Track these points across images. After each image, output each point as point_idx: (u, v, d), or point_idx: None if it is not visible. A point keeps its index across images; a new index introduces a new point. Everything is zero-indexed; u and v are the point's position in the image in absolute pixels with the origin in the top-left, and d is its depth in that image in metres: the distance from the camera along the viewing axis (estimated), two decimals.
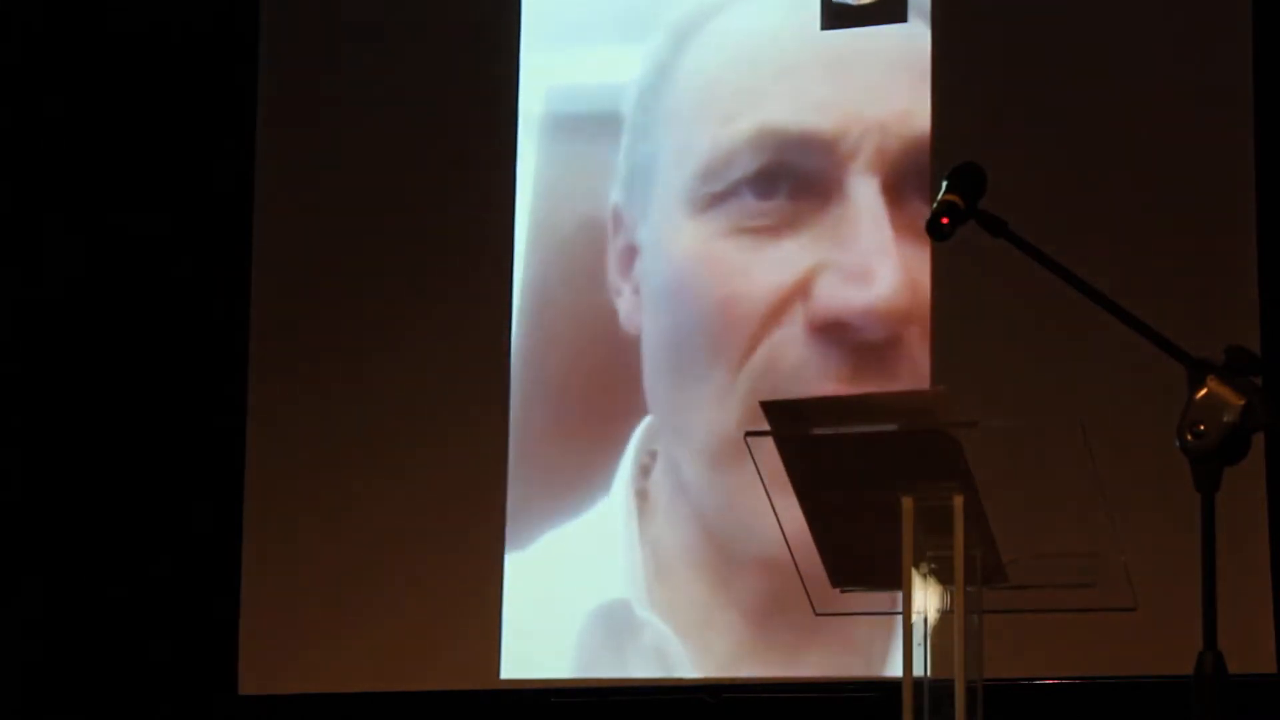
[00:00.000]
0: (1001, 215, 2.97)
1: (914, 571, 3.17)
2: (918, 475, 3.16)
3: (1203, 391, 2.62)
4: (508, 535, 5.58)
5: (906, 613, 3.16)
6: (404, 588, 5.64)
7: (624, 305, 5.56)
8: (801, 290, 5.33)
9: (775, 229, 5.39)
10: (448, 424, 5.69)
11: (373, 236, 5.88)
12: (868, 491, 3.21)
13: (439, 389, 5.72)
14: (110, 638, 5.93)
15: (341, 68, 5.99)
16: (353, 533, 5.72)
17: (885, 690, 3.89)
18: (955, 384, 4.79)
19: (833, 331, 5.29)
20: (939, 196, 2.96)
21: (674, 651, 5.37)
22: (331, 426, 5.80)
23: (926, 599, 3.19)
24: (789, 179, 5.40)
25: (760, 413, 5.15)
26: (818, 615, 3.40)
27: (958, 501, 3.14)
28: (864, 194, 5.32)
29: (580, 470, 5.53)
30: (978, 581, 3.18)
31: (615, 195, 5.61)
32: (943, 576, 3.19)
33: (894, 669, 3.23)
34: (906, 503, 3.17)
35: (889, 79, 5.38)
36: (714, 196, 5.47)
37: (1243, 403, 2.59)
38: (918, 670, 3.17)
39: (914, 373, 5.24)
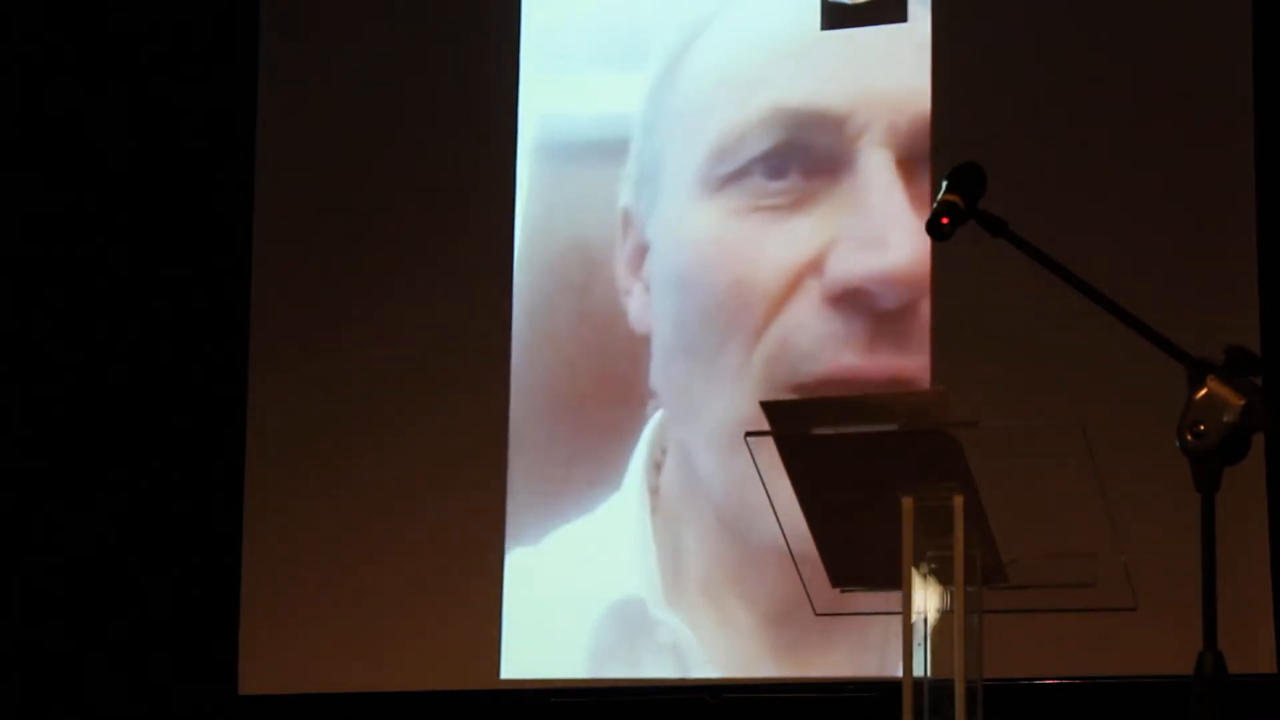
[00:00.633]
0: (1001, 213, 2.97)
1: (914, 571, 3.17)
2: (918, 475, 3.16)
3: (1203, 391, 2.62)
4: (514, 534, 5.57)
5: (906, 613, 3.16)
6: (404, 587, 5.64)
7: (634, 305, 5.56)
8: (815, 265, 5.33)
9: (788, 207, 5.39)
10: (448, 424, 5.69)
11: (373, 240, 5.88)
12: (868, 491, 3.21)
13: (440, 390, 5.72)
14: (110, 637, 5.93)
15: (341, 80, 5.99)
16: (353, 533, 5.73)
17: (885, 690, 3.89)
18: (956, 377, 4.81)
19: (848, 301, 5.28)
20: (939, 196, 2.96)
21: (690, 650, 5.37)
22: (332, 427, 5.80)
23: (926, 599, 3.19)
24: (800, 157, 5.40)
25: (772, 390, 5.22)
26: (818, 615, 3.40)
27: (958, 501, 3.14)
28: (876, 166, 5.32)
29: (589, 468, 5.53)
30: (978, 581, 3.18)
31: (625, 198, 5.61)
32: (943, 576, 3.19)
33: (898, 668, 3.22)
34: (906, 503, 3.17)
35: (898, 56, 5.38)
36: (725, 178, 5.47)
37: (1243, 403, 2.59)
38: (918, 670, 3.17)
39: (923, 339, 5.23)
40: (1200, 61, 5.16)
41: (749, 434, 3.24)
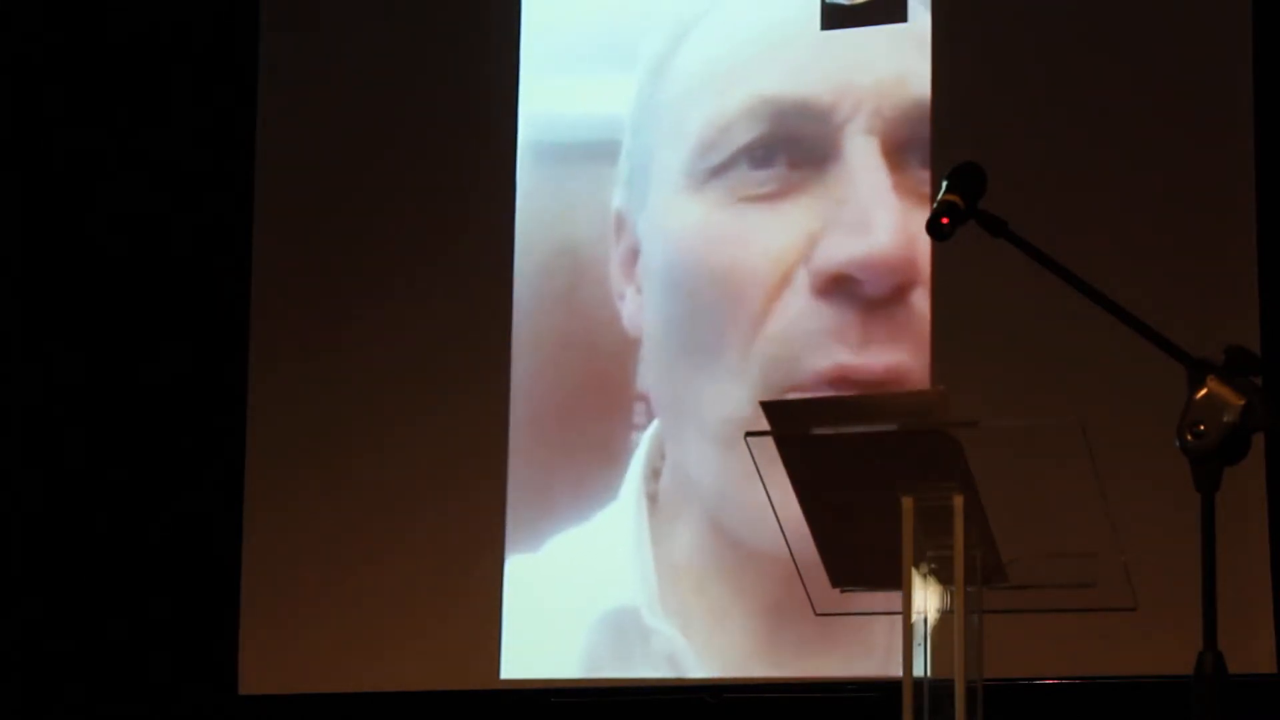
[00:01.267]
0: (1001, 213, 2.97)
1: (914, 571, 3.16)
2: (918, 475, 3.16)
3: (1203, 391, 2.62)
4: (514, 539, 5.57)
5: (906, 613, 3.16)
6: (404, 588, 5.64)
7: (627, 307, 5.55)
8: (804, 254, 5.32)
9: (774, 196, 5.38)
10: (448, 424, 5.69)
11: (373, 241, 5.88)
12: (868, 491, 3.21)
13: (440, 390, 5.72)
14: (110, 637, 5.93)
15: (341, 80, 5.99)
16: (353, 533, 5.73)
17: (885, 690, 3.88)
18: (956, 377, 4.80)
19: (836, 290, 5.26)
20: (939, 196, 2.96)
21: (685, 656, 5.36)
22: (332, 427, 5.80)
23: (926, 599, 3.18)
24: (786, 146, 5.39)
25: (766, 388, 5.22)
26: (818, 615, 3.40)
27: (958, 501, 3.14)
28: (861, 153, 5.31)
29: (587, 475, 5.52)
30: (978, 581, 3.17)
31: (617, 200, 5.61)
32: (943, 576, 3.19)
33: (898, 668, 3.22)
34: (906, 503, 3.16)
35: (884, 45, 5.37)
36: (711, 170, 5.46)
37: (1243, 403, 2.60)
38: (918, 670, 3.16)
39: (919, 332, 5.23)
40: (1200, 61, 5.16)
41: (749, 434, 3.24)
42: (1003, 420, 3.54)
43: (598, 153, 5.64)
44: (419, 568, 5.65)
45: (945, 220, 2.94)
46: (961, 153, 3.15)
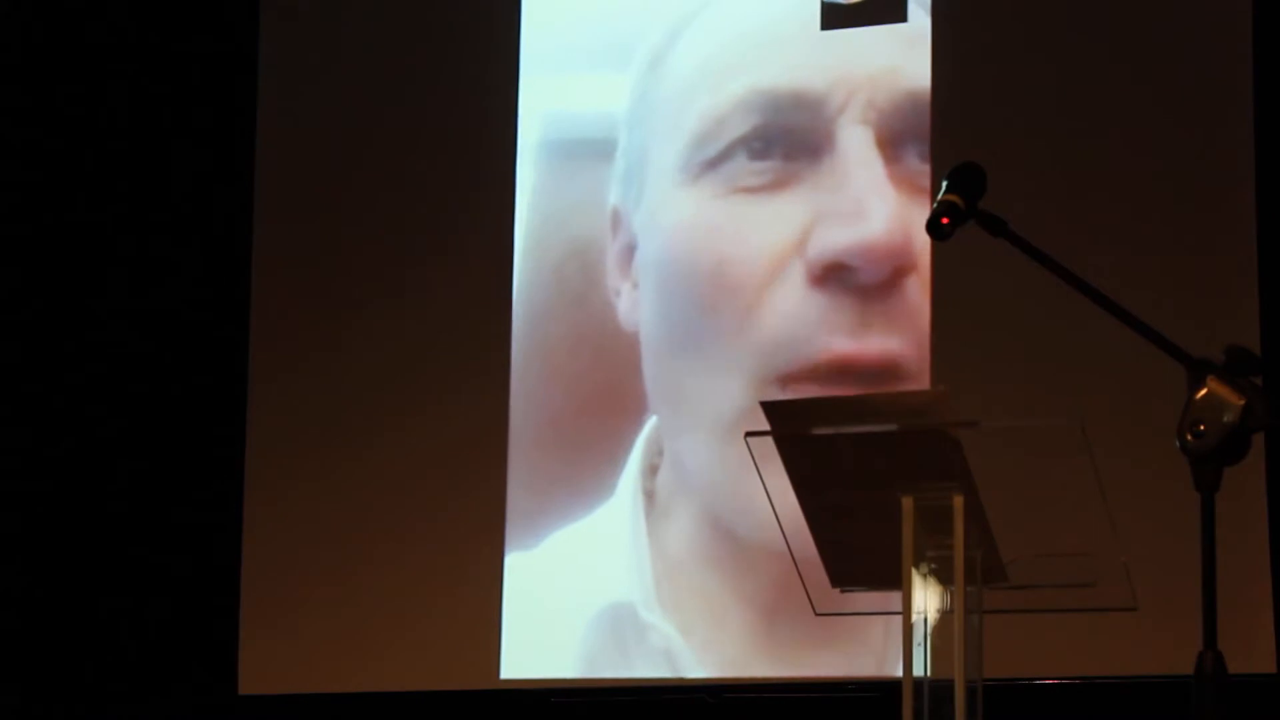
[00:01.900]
0: (1001, 213, 2.97)
1: (914, 571, 3.16)
2: (918, 475, 3.16)
3: (1203, 391, 2.62)
4: (512, 536, 5.57)
5: (906, 613, 3.16)
6: (404, 588, 5.64)
7: (623, 304, 5.55)
8: (798, 244, 5.32)
9: (769, 187, 5.38)
10: (448, 425, 5.69)
11: (372, 241, 5.88)
12: (868, 491, 3.20)
13: (440, 390, 5.72)
14: (110, 637, 5.93)
15: (340, 82, 5.99)
16: (353, 532, 5.73)
17: (885, 690, 3.88)
18: (956, 377, 4.80)
19: (830, 278, 5.27)
20: (939, 196, 2.97)
21: (682, 653, 5.36)
22: (332, 427, 5.80)
23: (926, 599, 3.18)
24: (781, 138, 5.40)
25: (763, 380, 5.23)
26: (818, 615, 3.40)
27: (958, 501, 3.14)
28: (855, 143, 5.31)
29: (585, 472, 5.52)
30: (978, 581, 3.17)
31: (613, 196, 5.61)
32: (943, 576, 3.18)
33: (899, 669, 3.22)
34: (906, 503, 3.16)
35: (879, 39, 5.38)
36: (706, 163, 5.46)
37: (1243, 403, 2.60)
38: (918, 670, 3.16)
39: (915, 322, 5.23)
40: (1200, 59, 5.16)
41: (749, 434, 3.24)
42: (1003, 420, 3.54)
43: (597, 150, 5.64)
44: (419, 567, 5.65)
45: (945, 220, 2.94)
46: (961, 150, 3.15)
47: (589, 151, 5.65)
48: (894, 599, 3.20)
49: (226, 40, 6.11)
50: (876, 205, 5.26)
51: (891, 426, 3.18)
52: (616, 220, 5.59)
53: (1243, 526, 4.81)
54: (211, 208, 6.07)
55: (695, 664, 5.36)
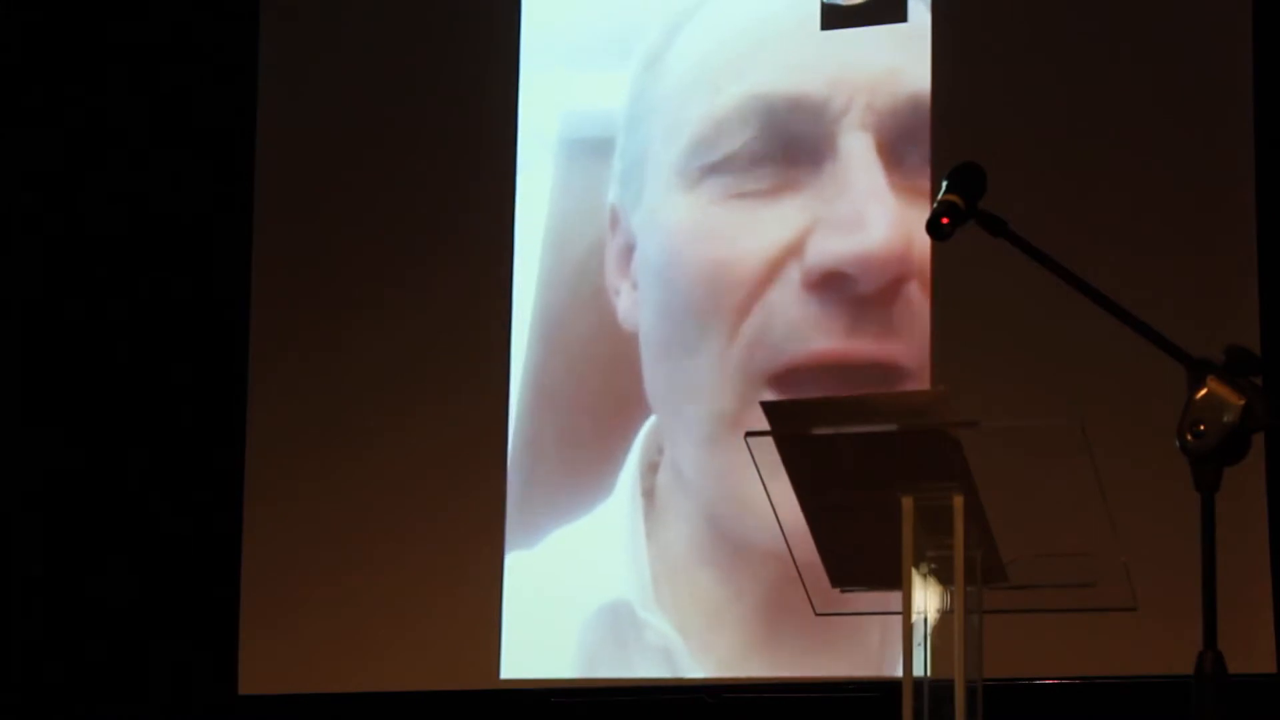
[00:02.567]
0: (1001, 212, 2.97)
1: (914, 571, 3.16)
2: (918, 475, 3.16)
3: (1203, 391, 2.62)
4: (511, 536, 5.57)
5: (906, 613, 3.16)
6: (404, 588, 5.64)
7: (622, 303, 5.55)
8: (795, 249, 5.32)
9: (768, 193, 5.38)
10: (448, 425, 5.69)
11: (373, 241, 5.88)
12: (868, 491, 3.20)
13: (440, 390, 5.72)
14: (110, 637, 5.93)
15: (340, 81, 5.99)
16: (353, 532, 5.73)
17: (885, 690, 3.88)
18: (955, 377, 4.80)
19: (828, 285, 5.27)
20: (939, 196, 2.97)
21: (679, 651, 5.37)
22: (332, 427, 5.80)
23: (926, 599, 3.18)
24: (780, 143, 5.39)
25: (761, 381, 5.23)
26: (818, 615, 3.40)
27: (958, 501, 3.14)
28: (855, 149, 5.31)
29: (584, 471, 5.53)
30: (978, 581, 3.17)
31: (612, 196, 5.61)
32: (943, 576, 3.18)
33: (898, 669, 3.22)
34: (906, 503, 3.16)
35: (878, 41, 5.38)
36: (706, 168, 5.46)
37: (1243, 403, 2.60)
38: (918, 670, 3.16)
39: (915, 322, 5.23)
40: (1200, 59, 5.16)
41: (749, 434, 3.24)
42: (1003, 420, 3.53)
43: (597, 149, 5.64)
44: (419, 567, 5.65)
45: (945, 220, 2.94)
46: (961, 149, 3.16)
47: (589, 150, 5.65)
48: (894, 599, 3.20)
49: (226, 40, 6.11)
50: (876, 214, 5.25)
51: (891, 426, 3.18)
52: (615, 219, 5.59)
53: (1243, 526, 4.81)
54: (211, 208, 6.07)
55: (693, 663, 5.36)
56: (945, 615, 3.18)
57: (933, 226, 2.95)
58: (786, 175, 5.37)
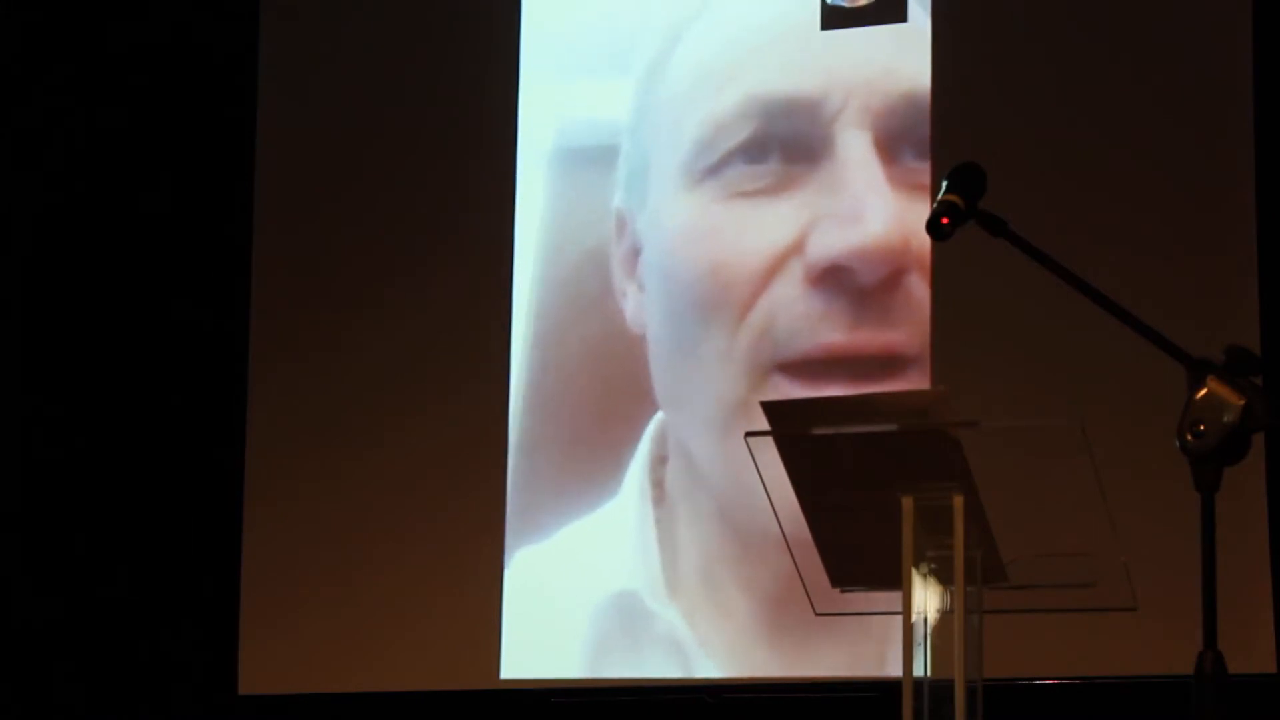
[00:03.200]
0: (1002, 213, 2.97)
1: (914, 571, 3.16)
2: (918, 475, 3.16)
3: (1203, 391, 2.62)
4: (514, 534, 5.57)
5: (906, 613, 3.16)
6: (404, 588, 5.64)
7: (630, 305, 5.57)
8: (797, 246, 5.35)
9: (768, 191, 5.41)
10: (448, 424, 5.69)
11: (373, 242, 5.88)
12: (868, 491, 3.20)
13: (440, 390, 5.72)
14: (110, 637, 5.93)
15: (341, 85, 5.99)
16: (353, 532, 5.73)
17: (885, 690, 3.88)
18: (955, 378, 4.80)
19: (829, 279, 5.30)
20: (939, 196, 2.97)
21: (688, 643, 5.37)
22: (332, 427, 5.80)
23: (926, 599, 3.18)
24: (779, 142, 5.42)
25: (766, 372, 5.24)
26: (818, 615, 3.40)
27: (958, 501, 3.14)
28: (853, 146, 5.33)
29: (588, 469, 5.53)
30: (978, 581, 3.17)
31: (617, 200, 5.62)
32: (943, 576, 3.18)
33: (899, 668, 3.22)
34: (906, 503, 3.16)
35: (874, 41, 5.39)
36: (707, 169, 5.48)
37: (1243, 403, 2.60)
38: (918, 670, 3.16)
39: (916, 321, 5.23)
40: (1200, 59, 5.16)
41: (749, 434, 3.24)
42: (1003, 420, 3.54)
43: (601, 153, 5.65)
44: (419, 567, 5.65)
45: (945, 220, 2.94)
46: (960, 151, 3.16)
47: (593, 155, 5.66)
48: (894, 599, 3.20)
49: (226, 40, 6.11)
50: (874, 207, 5.27)
51: (891, 426, 3.18)
52: (621, 224, 5.61)
53: (1243, 526, 4.81)
54: (211, 208, 6.07)
55: (700, 654, 5.36)
56: (945, 615, 3.18)
57: (933, 226, 2.95)
58: (786, 173, 5.40)
